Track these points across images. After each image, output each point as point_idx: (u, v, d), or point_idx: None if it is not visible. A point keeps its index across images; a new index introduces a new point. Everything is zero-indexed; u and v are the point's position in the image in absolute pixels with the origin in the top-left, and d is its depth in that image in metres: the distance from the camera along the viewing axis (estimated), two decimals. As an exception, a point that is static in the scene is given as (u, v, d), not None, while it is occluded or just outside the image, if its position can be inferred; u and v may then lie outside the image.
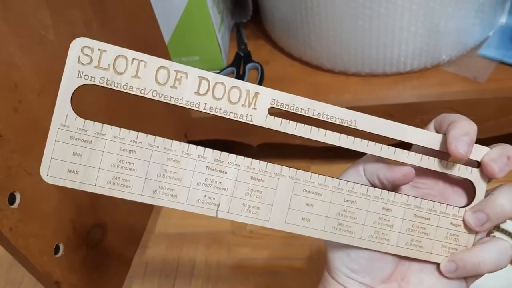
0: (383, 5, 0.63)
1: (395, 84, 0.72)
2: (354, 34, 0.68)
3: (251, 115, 0.31)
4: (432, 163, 0.34)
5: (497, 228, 0.67)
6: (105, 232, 0.55)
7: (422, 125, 0.73)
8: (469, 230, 0.34)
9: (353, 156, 0.89)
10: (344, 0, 0.64)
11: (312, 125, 0.34)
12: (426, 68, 0.71)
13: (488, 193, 0.34)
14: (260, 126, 0.32)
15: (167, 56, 0.69)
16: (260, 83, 0.75)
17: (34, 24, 0.43)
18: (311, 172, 0.34)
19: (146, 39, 0.63)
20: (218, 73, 0.76)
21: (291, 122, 0.32)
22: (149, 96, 0.30)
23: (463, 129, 0.34)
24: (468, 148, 0.32)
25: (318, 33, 0.71)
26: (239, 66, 0.78)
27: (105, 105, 0.55)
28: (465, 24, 0.69)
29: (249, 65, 0.77)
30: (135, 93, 0.30)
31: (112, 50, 0.30)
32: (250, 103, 0.31)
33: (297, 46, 0.76)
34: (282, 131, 0.32)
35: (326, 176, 0.34)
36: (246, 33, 0.85)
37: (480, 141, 0.75)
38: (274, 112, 0.32)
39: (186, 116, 0.74)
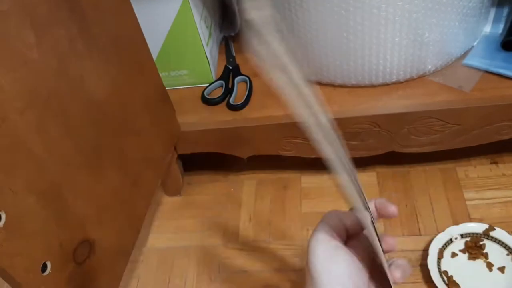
0: (367, 17, 0.64)
1: (382, 95, 0.72)
2: (339, 46, 0.69)
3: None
4: None
5: (487, 236, 0.68)
6: (93, 249, 0.55)
7: (409, 134, 0.74)
8: None
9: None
10: (329, 13, 0.65)
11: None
12: (412, 78, 0.72)
13: None
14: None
15: (155, 73, 0.69)
16: (249, 96, 0.75)
17: (17, 44, 0.43)
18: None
19: (133, 56, 0.63)
20: (207, 86, 0.78)
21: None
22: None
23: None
24: None
25: (303, 45, 0.71)
26: (228, 79, 0.78)
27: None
28: (450, 34, 0.69)
29: (237, 78, 0.78)
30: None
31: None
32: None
33: (284, 58, 0.77)
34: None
35: None
36: (235, 46, 0.86)
37: (466, 149, 0.76)
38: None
39: (175, 130, 0.75)
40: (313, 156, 0.76)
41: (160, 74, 0.78)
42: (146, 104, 0.66)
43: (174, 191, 0.84)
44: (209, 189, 0.85)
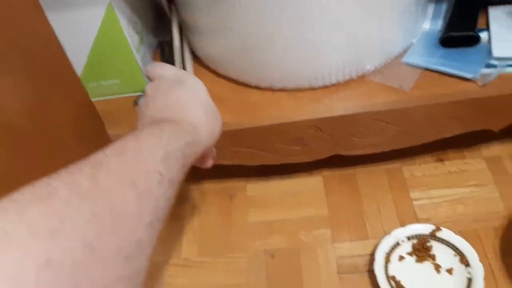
0: (302, 20, 0.61)
1: (322, 97, 0.70)
2: (275, 48, 0.66)
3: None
4: None
5: (434, 237, 0.67)
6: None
7: (352, 137, 0.72)
8: None
9: (289, 172, 0.86)
10: (263, 17, 0.62)
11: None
12: (352, 79, 0.70)
13: None
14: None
15: (78, 86, 0.64)
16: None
17: None
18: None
19: (49, 71, 0.58)
20: (141, 95, 0.73)
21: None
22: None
23: None
24: None
25: (240, 50, 0.68)
26: (163, 87, 0.74)
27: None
28: (387, 33, 0.68)
29: (173, 86, 0.74)
30: None
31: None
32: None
33: (221, 63, 0.74)
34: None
35: None
36: (171, 51, 0.82)
37: (411, 148, 0.74)
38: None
39: (105, 144, 0.70)
40: (257, 164, 0.73)
41: (90, 85, 0.74)
42: (68, 121, 0.61)
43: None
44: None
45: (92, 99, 0.76)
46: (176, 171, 0.39)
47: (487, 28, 0.72)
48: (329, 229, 0.72)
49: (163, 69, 0.50)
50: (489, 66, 0.67)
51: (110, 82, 0.74)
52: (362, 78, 0.71)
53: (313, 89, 0.71)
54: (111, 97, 0.76)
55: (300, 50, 0.65)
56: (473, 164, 0.76)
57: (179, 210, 0.79)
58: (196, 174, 0.82)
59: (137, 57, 0.72)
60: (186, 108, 0.45)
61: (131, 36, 0.70)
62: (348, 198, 0.76)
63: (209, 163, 0.54)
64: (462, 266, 0.63)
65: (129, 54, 0.70)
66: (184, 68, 0.72)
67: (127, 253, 0.31)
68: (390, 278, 0.64)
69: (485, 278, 0.61)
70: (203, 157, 0.50)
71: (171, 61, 0.77)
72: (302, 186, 0.79)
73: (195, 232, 0.75)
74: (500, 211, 0.70)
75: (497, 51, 0.67)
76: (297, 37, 0.64)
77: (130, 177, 0.34)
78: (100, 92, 0.75)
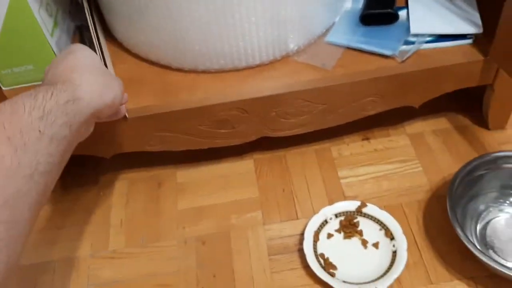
0: (220, -2, 0.60)
1: (247, 78, 0.69)
2: (195, 29, 0.64)
3: None
4: None
5: (360, 213, 0.67)
6: None
7: (278, 118, 0.72)
8: None
9: (219, 157, 0.85)
10: (179, -6, 0.60)
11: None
12: (276, 59, 0.70)
13: None
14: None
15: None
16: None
17: None
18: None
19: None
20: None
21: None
22: None
23: None
24: None
25: (159, 31, 0.66)
26: (81, 72, 0.71)
27: None
28: (309, 11, 0.68)
29: (92, 71, 0.71)
30: None
31: None
32: None
33: (141, 46, 0.71)
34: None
35: None
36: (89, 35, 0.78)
37: (339, 127, 0.75)
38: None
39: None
40: (183, 149, 0.72)
41: (2, 72, 0.69)
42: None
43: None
44: (75, 194, 0.77)
45: (6, 88, 0.72)
46: (58, 128, 0.43)
47: (406, 5, 0.73)
48: (260, 211, 0.72)
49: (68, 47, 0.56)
50: (407, 43, 0.68)
51: (23, 68, 0.69)
52: (286, 58, 0.71)
53: (237, 70, 0.70)
54: (25, 85, 0.71)
55: (220, 30, 0.64)
56: (397, 141, 0.78)
57: (105, 200, 0.75)
58: (125, 162, 0.79)
59: (51, 41, 0.68)
60: (70, 72, 0.49)
61: (43, 19, 0.66)
62: (278, 180, 0.75)
63: (121, 113, 0.62)
64: (387, 240, 0.65)
65: (42, 38, 0.66)
66: (101, 52, 0.68)
67: (4, 200, 0.36)
68: (319, 256, 0.64)
69: (409, 250, 0.63)
70: (112, 111, 0.55)
71: (88, 46, 0.74)
72: (233, 170, 0.77)
73: (122, 223, 0.73)
74: (423, 185, 0.72)
75: (414, 28, 0.69)
76: (216, 16, 0.62)
77: (6, 135, 0.38)
78: (14, 80, 0.70)
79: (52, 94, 0.44)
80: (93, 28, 0.72)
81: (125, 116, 0.65)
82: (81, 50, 0.54)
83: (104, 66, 0.55)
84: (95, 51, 0.68)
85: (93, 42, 0.70)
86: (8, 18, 0.63)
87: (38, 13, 0.65)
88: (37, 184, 0.40)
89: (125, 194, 0.76)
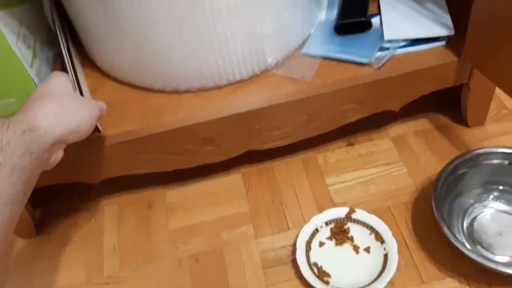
0: (197, 20, 0.61)
1: (229, 95, 0.70)
2: (172, 51, 0.65)
3: None
4: None
5: (349, 219, 0.68)
6: None
7: (262, 131, 0.73)
8: None
9: (207, 173, 0.85)
10: (155, 19, 0.61)
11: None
12: (256, 74, 0.71)
13: None
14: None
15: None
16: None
17: None
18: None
19: None
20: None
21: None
22: None
23: None
24: None
25: (136, 55, 0.67)
26: (63, 101, 0.71)
27: None
28: (284, 25, 0.69)
29: (74, 98, 0.71)
30: None
31: None
32: None
33: (120, 70, 0.72)
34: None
35: None
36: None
37: (323, 135, 0.76)
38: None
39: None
40: (170, 169, 0.72)
41: (-17, 106, 0.70)
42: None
43: (27, 233, 0.75)
44: (67, 222, 0.77)
45: (-12, 122, 0.72)
46: (18, 158, 0.44)
47: (378, 12, 0.75)
48: (251, 225, 0.72)
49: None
50: (382, 49, 0.70)
51: (5, 101, 0.69)
52: (265, 73, 0.72)
53: (218, 87, 0.71)
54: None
55: (198, 50, 0.65)
56: (380, 144, 0.79)
57: (97, 226, 0.75)
58: (114, 186, 0.79)
59: (31, 72, 0.68)
60: (31, 102, 0.51)
61: (21, 51, 0.66)
62: (267, 191, 0.76)
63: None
64: (378, 243, 0.66)
65: (22, 70, 0.67)
66: (76, 79, 0.69)
67: None
68: (313, 265, 0.65)
69: (400, 251, 0.64)
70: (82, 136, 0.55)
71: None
72: (221, 186, 0.78)
73: (115, 247, 0.73)
74: (409, 186, 0.73)
75: (388, 34, 0.70)
76: (193, 37, 0.63)
77: None
78: (-4, 113, 0.71)
79: (8, 126, 0.45)
80: (67, 55, 0.72)
81: (98, 130, 0.66)
82: (56, 77, 0.56)
83: (75, 92, 0.57)
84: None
85: (66, 70, 0.70)
86: (-14, 52, 0.64)
87: (16, 45, 0.66)
88: (2, 214, 0.41)
89: (116, 218, 0.76)
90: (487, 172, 0.67)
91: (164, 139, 0.68)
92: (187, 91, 0.71)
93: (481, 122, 0.78)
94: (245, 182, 0.78)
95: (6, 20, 0.64)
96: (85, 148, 0.66)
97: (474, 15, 0.62)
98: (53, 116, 0.50)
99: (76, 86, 0.68)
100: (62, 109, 0.51)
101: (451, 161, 0.65)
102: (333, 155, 0.79)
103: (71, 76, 0.69)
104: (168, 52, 0.65)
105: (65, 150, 0.55)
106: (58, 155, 0.53)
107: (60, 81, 0.55)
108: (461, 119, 0.79)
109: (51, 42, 0.79)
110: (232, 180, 0.79)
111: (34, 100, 0.51)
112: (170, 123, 0.68)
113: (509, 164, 0.66)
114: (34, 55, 0.71)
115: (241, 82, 0.71)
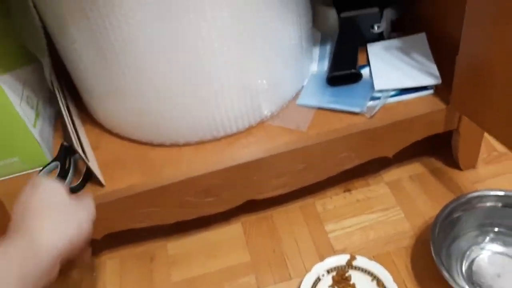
0: (194, 78, 0.64)
1: (227, 147, 0.72)
2: (171, 107, 0.67)
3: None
4: None
5: (350, 266, 0.69)
6: None
7: (261, 181, 0.74)
8: None
9: (208, 224, 0.85)
10: (154, 78, 0.64)
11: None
12: (252, 126, 0.73)
13: None
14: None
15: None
16: (88, 175, 0.70)
17: None
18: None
19: None
20: (41, 170, 0.71)
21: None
22: None
23: None
24: None
25: (137, 111, 0.69)
26: (65, 158, 0.73)
27: None
28: (278, 79, 0.72)
29: (76, 156, 0.73)
30: None
31: None
32: None
33: (121, 125, 0.74)
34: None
35: None
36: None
37: (318, 183, 0.77)
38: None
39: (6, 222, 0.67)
40: (171, 222, 0.73)
41: (-13, 166, 0.71)
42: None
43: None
44: (70, 278, 0.77)
45: (-9, 181, 0.73)
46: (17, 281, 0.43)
47: (368, 63, 0.78)
48: (253, 275, 0.73)
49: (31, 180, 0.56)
50: (373, 98, 0.73)
51: (8, 161, 0.71)
52: (261, 124, 0.74)
53: (216, 139, 0.73)
54: (11, 176, 0.73)
55: (196, 105, 0.67)
56: (377, 190, 0.81)
57: (99, 281, 0.75)
58: (115, 240, 0.80)
59: (34, 132, 0.70)
60: (29, 218, 0.50)
61: (25, 112, 0.69)
62: (268, 240, 0.77)
63: (86, 259, 0.60)
64: (380, 290, 0.66)
65: (25, 131, 0.69)
66: (77, 137, 0.71)
67: None
68: (316, 314, 0.65)
69: (401, 297, 0.65)
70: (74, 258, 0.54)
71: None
72: (222, 236, 0.79)
73: (118, 303, 0.73)
74: (407, 231, 0.74)
75: (378, 84, 0.73)
76: (191, 94, 0.66)
77: None
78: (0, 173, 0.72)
79: (12, 254, 0.45)
80: (67, 114, 0.75)
81: (102, 184, 0.68)
82: (46, 185, 0.55)
83: (66, 198, 0.55)
84: (70, 137, 0.71)
85: (68, 129, 0.72)
86: (-10, 114, 0.66)
87: (20, 107, 0.68)
88: None
89: (118, 273, 0.76)
90: (482, 215, 0.68)
91: (166, 192, 0.69)
92: (186, 144, 0.73)
93: (472, 165, 0.80)
94: (245, 231, 0.79)
95: (10, 83, 0.67)
96: (88, 204, 0.67)
97: (459, 65, 0.65)
98: (54, 233, 0.49)
99: (78, 144, 0.70)
100: (61, 222, 0.51)
101: (446, 206, 0.67)
102: (331, 201, 0.80)
103: (73, 136, 0.71)
104: (168, 109, 0.67)
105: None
106: (58, 268, 0.51)
107: (52, 188, 0.54)
108: (453, 162, 0.81)
109: (52, 100, 0.81)
110: (233, 229, 0.79)
111: (29, 215, 0.50)
112: (171, 176, 0.69)
113: (502, 206, 0.67)
114: (37, 114, 0.73)
115: (239, 133, 0.73)
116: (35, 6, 0.64)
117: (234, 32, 0.62)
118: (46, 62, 0.70)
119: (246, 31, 0.63)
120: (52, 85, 0.74)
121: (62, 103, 0.74)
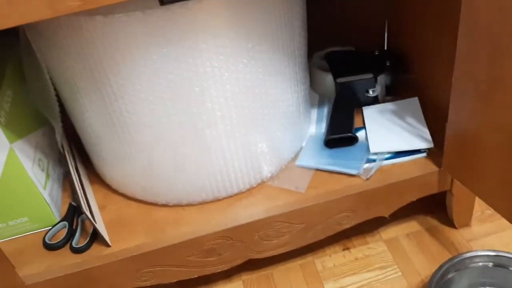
0: (198, 143, 0.67)
1: (228, 207, 0.75)
2: (177, 170, 0.70)
3: None
4: None
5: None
6: None
7: (261, 240, 0.76)
8: None
9: (209, 282, 0.86)
10: (160, 143, 0.67)
11: None
12: (252, 187, 0.76)
13: None
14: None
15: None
16: (95, 235, 0.72)
17: None
18: None
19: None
20: (49, 230, 0.74)
21: None
22: None
23: None
24: None
25: (144, 174, 0.72)
26: (73, 218, 0.75)
27: None
28: (278, 141, 0.75)
29: (83, 215, 0.75)
30: None
31: None
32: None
33: (128, 186, 0.77)
34: None
35: None
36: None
37: (317, 242, 0.79)
38: None
39: (19, 284, 0.69)
40: (174, 280, 0.75)
41: (-2, 226, 0.74)
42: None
43: None
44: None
45: (0, 241, 0.76)
46: None
47: (363, 126, 0.82)
48: (255, 334, 0.74)
49: None
50: (369, 161, 0.76)
51: (18, 221, 0.74)
52: (261, 185, 0.77)
53: (218, 200, 0.76)
54: (20, 235, 0.75)
55: (199, 169, 0.71)
56: (375, 248, 0.82)
57: None
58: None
59: (44, 193, 0.73)
60: None
61: (36, 175, 0.72)
62: (268, 299, 0.78)
63: None
64: None
65: (36, 192, 0.72)
66: (85, 198, 0.74)
67: None
68: None
69: None
70: None
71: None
72: (223, 294, 0.80)
73: None
74: (405, 290, 0.76)
75: (373, 147, 0.77)
76: (195, 158, 0.69)
77: None
78: (9, 233, 0.74)
79: None
80: (76, 176, 0.78)
81: (108, 244, 0.70)
82: None
83: None
84: (78, 198, 0.74)
85: (76, 190, 0.75)
86: (3, 177, 0.69)
87: (32, 170, 0.71)
88: None
89: (120, 331, 0.78)
90: (474, 274, 0.70)
91: (169, 252, 0.71)
92: (189, 205, 0.76)
93: (467, 223, 0.82)
94: (246, 289, 0.81)
95: (23, 148, 0.71)
96: (94, 263, 0.69)
97: (448, 132, 0.69)
98: None
99: (86, 205, 0.73)
100: None
101: (440, 266, 0.69)
102: (330, 259, 0.82)
103: (81, 197, 0.74)
104: (172, 173, 0.71)
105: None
106: None
107: None
108: (448, 221, 0.83)
109: (61, 161, 0.85)
110: (234, 287, 0.81)
111: None
112: (174, 237, 0.72)
113: (493, 266, 0.69)
114: (47, 176, 0.77)
115: (239, 194, 0.76)
116: (49, 75, 0.69)
117: (236, 101, 0.66)
118: (58, 127, 0.74)
119: (247, 100, 0.67)
120: (63, 147, 0.78)
121: (71, 165, 0.78)
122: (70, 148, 0.81)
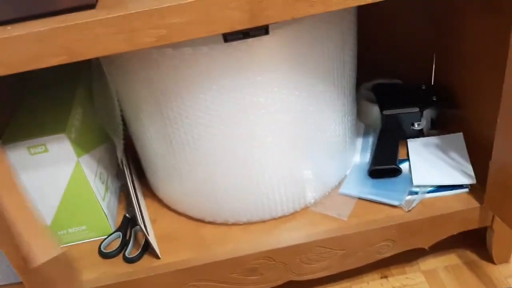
0: (249, 166, 0.72)
1: (272, 229, 0.78)
2: (227, 191, 0.75)
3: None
4: None
5: None
6: None
7: (302, 263, 0.79)
8: None
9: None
10: (213, 164, 0.72)
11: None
12: (296, 211, 0.79)
13: None
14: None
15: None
16: (146, 246, 0.77)
17: None
18: None
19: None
20: (104, 239, 0.79)
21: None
22: None
23: None
24: None
25: (197, 193, 0.77)
26: (126, 229, 0.81)
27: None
28: (323, 169, 0.79)
29: (136, 227, 0.81)
30: None
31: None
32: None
33: (179, 203, 0.82)
34: None
35: None
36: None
37: (354, 270, 0.81)
38: None
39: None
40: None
41: (58, 233, 0.80)
42: None
43: None
44: None
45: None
46: None
47: (407, 158, 0.84)
48: None
49: None
50: (412, 193, 0.78)
51: (77, 229, 0.80)
52: (305, 209, 0.80)
53: (263, 221, 0.79)
54: (79, 242, 0.81)
55: (249, 191, 0.75)
56: (413, 278, 0.84)
57: None
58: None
59: (103, 204, 0.79)
60: None
61: (97, 187, 0.78)
62: (305, 321, 0.81)
63: None
64: None
65: (96, 203, 0.78)
66: (140, 210, 0.79)
67: None
68: None
69: None
70: None
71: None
72: (262, 312, 0.83)
73: None
74: (441, 322, 0.77)
75: (417, 180, 0.79)
76: (247, 181, 0.74)
77: None
78: (68, 239, 0.80)
79: None
80: (133, 190, 0.84)
81: (158, 256, 0.75)
82: None
83: None
84: (133, 211, 0.80)
85: (132, 203, 0.81)
86: (68, 188, 0.75)
87: (94, 182, 0.77)
88: None
89: None
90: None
91: (214, 268, 0.75)
92: (235, 224, 0.80)
93: (506, 260, 0.83)
94: (283, 309, 0.83)
95: (88, 162, 0.77)
96: (145, 274, 0.74)
97: (492, 170, 0.70)
98: None
99: (141, 217, 0.78)
100: None
101: (480, 302, 0.70)
102: (368, 286, 0.84)
103: (136, 210, 0.79)
104: (223, 193, 0.75)
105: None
106: None
107: None
108: (487, 256, 0.84)
109: (119, 175, 0.91)
110: (273, 307, 0.84)
111: None
112: (220, 254, 0.76)
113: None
114: (107, 188, 0.82)
115: (284, 217, 0.80)
116: (117, 96, 0.75)
117: (286, 130, 0.70)
118: (119, 144, 0.80)
119: (296, 129, 0.71)
120: (122, 163, 0.84)
121: (129, 179, 0.83)
122: (128, 164, 0.87)
